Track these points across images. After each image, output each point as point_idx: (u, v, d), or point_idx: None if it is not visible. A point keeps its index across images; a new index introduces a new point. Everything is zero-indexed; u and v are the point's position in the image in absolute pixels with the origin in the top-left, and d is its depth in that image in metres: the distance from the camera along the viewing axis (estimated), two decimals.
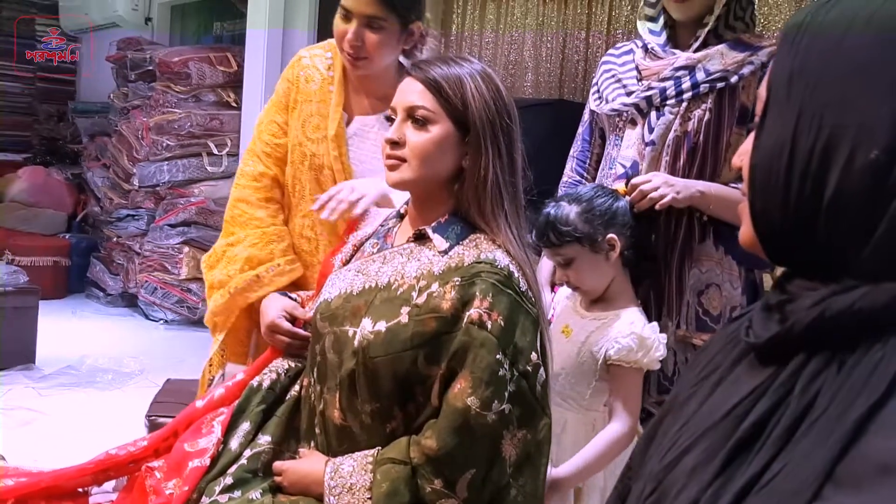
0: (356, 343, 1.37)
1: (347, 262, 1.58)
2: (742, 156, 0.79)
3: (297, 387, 1.56)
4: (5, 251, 5.57)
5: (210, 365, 2.19)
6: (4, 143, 6.93)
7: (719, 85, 1.84)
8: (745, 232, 0.78)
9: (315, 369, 1.47)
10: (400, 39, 1.99)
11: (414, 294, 1.36)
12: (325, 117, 2.06)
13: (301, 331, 1.59)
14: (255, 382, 1.57)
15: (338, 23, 1.97)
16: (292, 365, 1.59)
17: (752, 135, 0.77)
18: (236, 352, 2.15)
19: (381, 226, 1.60)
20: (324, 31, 4.86)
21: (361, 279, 1.46)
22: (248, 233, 2.07)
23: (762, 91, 0.76)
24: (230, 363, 2.08)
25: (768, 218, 0.73)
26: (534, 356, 1.33)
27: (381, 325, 1.35)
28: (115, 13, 6.14)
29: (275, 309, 1.62)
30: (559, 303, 1.98)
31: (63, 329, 5.07)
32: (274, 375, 1.57)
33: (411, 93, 1.42)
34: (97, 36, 6.68)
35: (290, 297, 1.67)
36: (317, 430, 1.46)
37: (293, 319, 1.61)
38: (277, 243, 2.06)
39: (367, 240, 1.59)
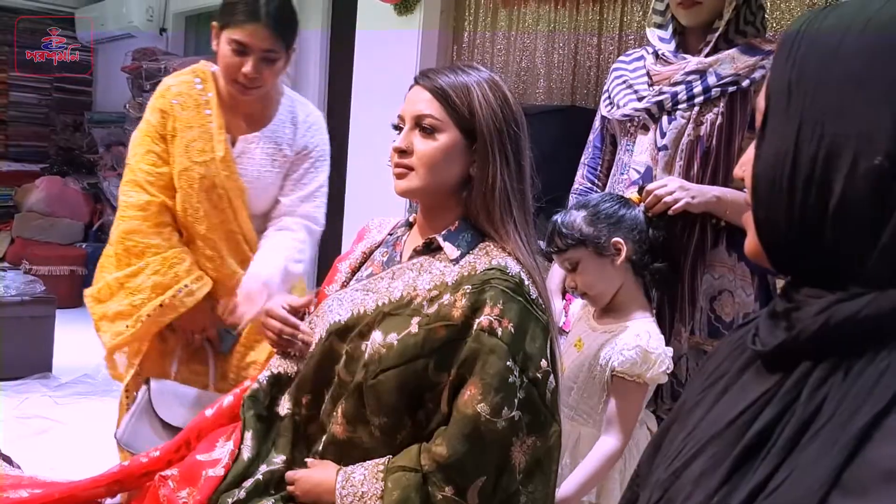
0: (367, 356, 1.38)
1: (357, 268, 1.58)
2: (744, 166, 0.78)
3: (288, 404, 1.53)
4: (22, 261, 5.62)
5: (126, 391, 2.24)
6: (22, 154, 6.99)
7: (731, 89, 1.83)
8: (751, 242, 0.77)
9: (329, 390, 1.47)
10: (285, 64, 2.13)
11: (425, 304, 1.37)
12: (209, 140, 2.13)
13: (292, 317, 1.57)
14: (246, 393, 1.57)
15: (230, 55, 2.06)
16: (273, 371, 1.58)
17: (753, 145, 0.77)
18: (158, 370, 2.21)
19: (391, 234, 1.61)
20: (337, 30, 4.88)
21: (373, 297, 1.45)
22: (147, 261, 2.12)
23: (760, 102, 0.75)
24: (154, 378, 2.11)
25: (772, 227, 0.73)
26: (543, 363, 1.33)
27: (393, 338, 1.36)
28: (130, 24, 6.18)
29: (277, 299, 1.63)
30: (573, 315, 1.97)
31: (79, 338, 5.07)
32: (255, 385, 1.57)
33: (419, 101, 1.42)
34: (113, 46, 6.73)
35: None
36: (330, 448, 1.45)
37: (296, 312, 1.60)
38: (180, 265, 2.12)
39: (376, 248, 1.60)
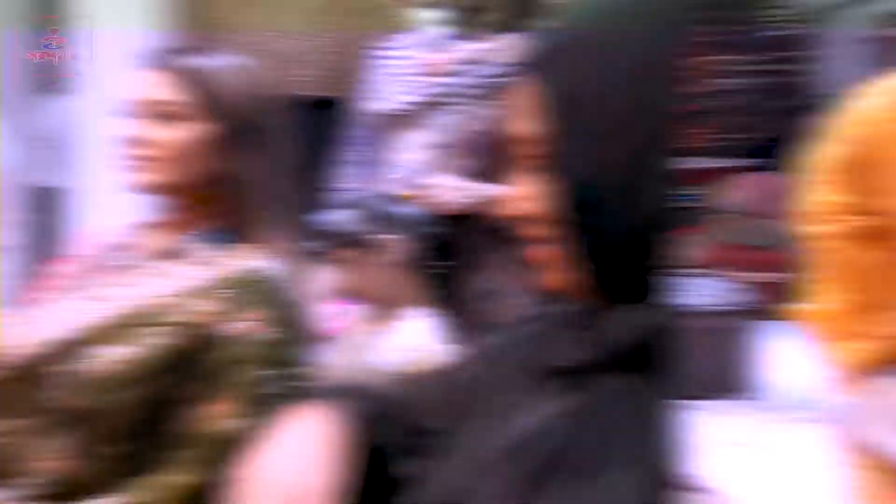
0: (95, 376, 1.27)
1: (84, 273, 1.37)
2: (519, 203, 0.75)
3: None
4: (722, 267, 5.51)
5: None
6: (723, 148, 6.06)
7: (509, 80, 1.52)
8: (563, 276, 0.74)
9: (40, 419, 1.28)
10: None
11: (168, 312, 1.22)
12: None
13: None
14: None
15: None
16: None
17: (519, 184, 0.76)
18: None
19: (126, 235, 1.38)
20: None
21: (104, 306, 1.32)
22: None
23: (536, 130, 0.73)
24: None
25: (598, 248, 0.70)
26: (299, 370, 1.24)
27: (129, 352, 1.26)
28: None
29: None
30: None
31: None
32: None
33: (155, 85, 1.25)
34: None
35: None
36: (46, 488, 1.27)
37: None
38: None
39: (109, 250, 1.38)
